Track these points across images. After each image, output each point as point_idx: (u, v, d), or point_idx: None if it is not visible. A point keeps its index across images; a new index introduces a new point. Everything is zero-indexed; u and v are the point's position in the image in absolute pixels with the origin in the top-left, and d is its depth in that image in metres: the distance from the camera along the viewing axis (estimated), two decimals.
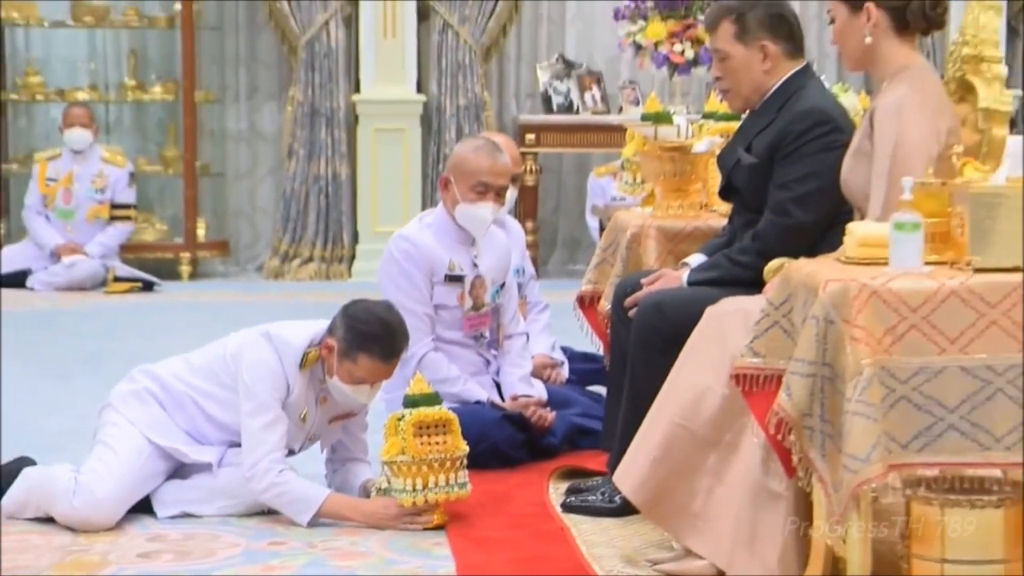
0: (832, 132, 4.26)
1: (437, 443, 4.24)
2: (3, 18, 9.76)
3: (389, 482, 4.29)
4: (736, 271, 4.26)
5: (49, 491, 4.30)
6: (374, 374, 4.35)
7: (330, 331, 4.37)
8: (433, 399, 4.30)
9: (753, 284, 4.00)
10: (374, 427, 4.63)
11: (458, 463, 4.27)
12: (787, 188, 4.26)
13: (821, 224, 4.21)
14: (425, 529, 4.25)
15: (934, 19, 3.89)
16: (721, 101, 4.97)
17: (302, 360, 4.35)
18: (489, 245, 5.24)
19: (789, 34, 4.43)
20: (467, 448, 4.31)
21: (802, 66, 4.44)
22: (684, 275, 4.40)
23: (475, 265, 5.18)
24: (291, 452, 4.43)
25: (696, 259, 4.49)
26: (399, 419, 4.27)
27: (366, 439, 4.64)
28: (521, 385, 5.23)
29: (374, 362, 4.32)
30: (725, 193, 4.59)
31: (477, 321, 5.22)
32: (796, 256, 3.87)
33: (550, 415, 5.10)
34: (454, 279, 5.14)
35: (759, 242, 4.25)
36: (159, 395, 4.46)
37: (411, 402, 4.28)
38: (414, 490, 4.22)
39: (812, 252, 3.87)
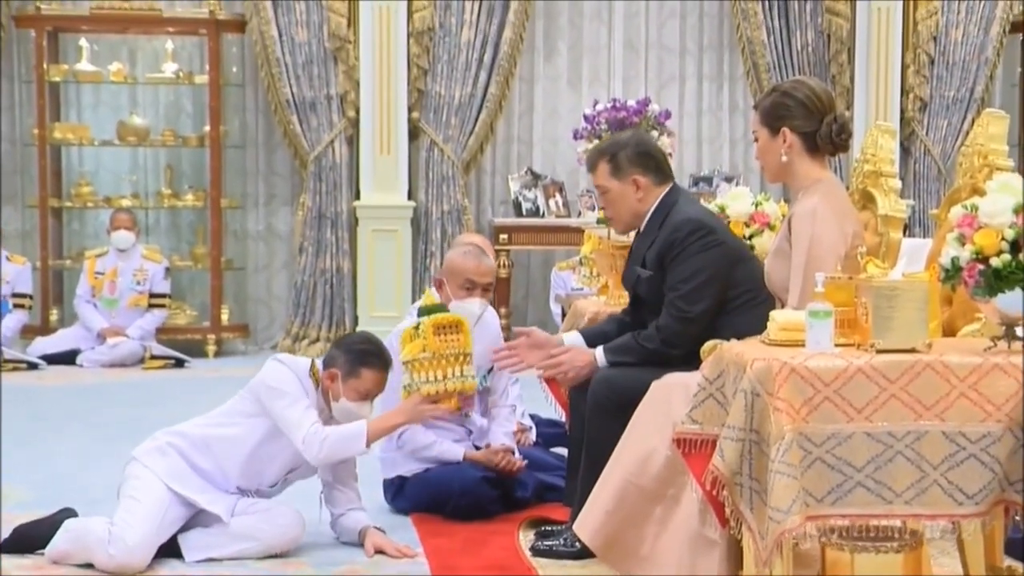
0: (707, 235, 4.29)
1: (453, 340, 4.36)
2: (60, 138, 9.77)
3: (412, 379, 4.37)
4: (645, 355, 4.27)
5: (87, 542, 4.23)
6: (376, 383, 4.40)
7: (328, 364, 4.42)
8: (442, 307, 4.44)
9: (663, 364, 4.06)
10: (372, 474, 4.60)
11: (468, 358, 4.39)
12: (675, 288, 4.28)
13: (710, 311, 4.23)
14: (447, 410, 4.52)
15: (839, 143, 3.93)
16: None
17: (310, 369, 4.41)
18: (481, 334, 5.07)
19: (656, 166, 4.46)
20: (473, 346, 4.46)
21: (670, 187, 4.46)
22: (598, 354, 4.35)
23: None
24: (292, 470, 4.43)
25: (572, 336, 4.54)
26: (416, 327, 4.39)
27: (358, 488, 4.58)
28: (504, 438, 5.14)
29: (375, 372, 4.38)
30: (634, 305, 4.57)
31: (466, 403, 5.10)
32: (693, 340, 3.96)
33: (519, 461, 5.02)
34: None
35: (661, 333, 4.26)
36: (179, 446, 4.40)
37: (425, 311, 4.41)
38: (435, 380, 4.35)
39: (709, 333, 3.92)
